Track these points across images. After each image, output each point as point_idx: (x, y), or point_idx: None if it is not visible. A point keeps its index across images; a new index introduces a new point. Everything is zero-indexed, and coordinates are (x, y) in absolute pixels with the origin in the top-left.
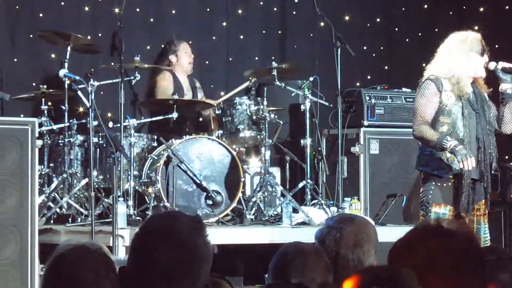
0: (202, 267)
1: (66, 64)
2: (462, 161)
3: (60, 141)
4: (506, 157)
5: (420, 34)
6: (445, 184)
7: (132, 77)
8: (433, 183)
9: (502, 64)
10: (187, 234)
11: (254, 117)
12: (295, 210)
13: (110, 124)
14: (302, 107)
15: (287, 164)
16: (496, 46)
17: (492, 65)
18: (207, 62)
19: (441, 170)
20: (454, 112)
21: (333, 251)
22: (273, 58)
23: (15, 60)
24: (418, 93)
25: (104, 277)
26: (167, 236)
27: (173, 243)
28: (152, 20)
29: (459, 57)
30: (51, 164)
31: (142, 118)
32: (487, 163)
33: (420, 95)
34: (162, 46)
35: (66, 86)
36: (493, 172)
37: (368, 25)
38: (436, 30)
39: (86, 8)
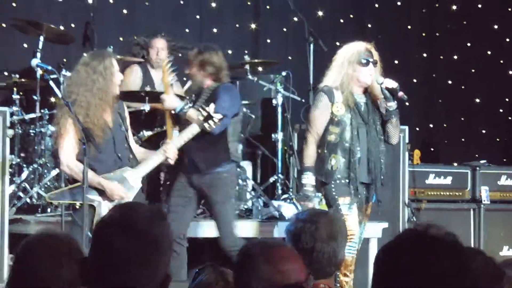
0: (160, 258)
1: (38, 54)
2: (302, 201)
3: (31, 131)
4: (477, 155)
5: (393, 30)
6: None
7: None
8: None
9: (386, 83)
10: (146, 224)
11: None
12: (265, 204)
13: None
14: (274, 101)
15: (259, 159)
16: (468, 44)
17: (379, 80)
18: (180, 55)
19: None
20: (343, 123)
21: (309, 245)
22: (246, 52)
23: None
24: (313, 104)
25: (64, 265)
26: (124, 226)
27: (130, 234)
28: (125, 11)
29: (345, 68)
30: (22, 154)
31: None
32: (377, 171)
33: (314, 107)
34: (135, 37)
35: (38, 76)
36: (382, 177)
37: (341, 21)
38: (409, 27)
39: None
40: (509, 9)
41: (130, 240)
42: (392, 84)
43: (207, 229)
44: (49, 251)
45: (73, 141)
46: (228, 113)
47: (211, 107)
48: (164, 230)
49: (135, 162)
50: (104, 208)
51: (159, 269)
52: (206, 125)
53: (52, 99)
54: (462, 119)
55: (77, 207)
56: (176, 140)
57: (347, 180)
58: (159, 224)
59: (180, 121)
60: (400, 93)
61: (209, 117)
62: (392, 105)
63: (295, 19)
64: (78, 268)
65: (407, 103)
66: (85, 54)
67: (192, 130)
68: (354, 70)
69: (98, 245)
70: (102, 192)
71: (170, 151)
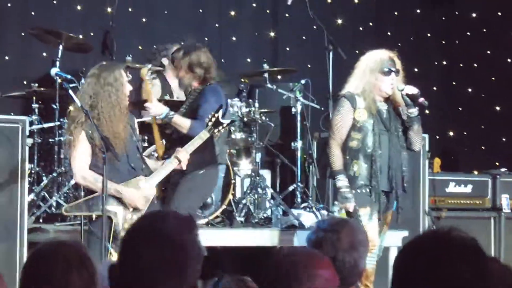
0: (188, 267)
1: (57, 63)
2: (341, 204)
3: (50, 140)
4: (497, 163)
5: (412, 38)
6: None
7: None
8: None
9: (407, 90)
10: (174, 233)
11: (245, 119)
12: (285, 213)
13: None
14: (293, 109)
15: (278, 167)
16: (488, 52)
17: (400, 87)
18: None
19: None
20: (365, 129)
21: (330, 254)
22: (265, 60)
23: (6, 58)
24: (334, 110)
25: (75, 271)
26: (153, 235)
27: (158, 242)
28: (144, 20)
29: (367, 76)
30: (41, 163)
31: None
32: (398, 178)
33: (336, 112)
34: (154, 46)
35: (58, 85)
36: (405, 184)
37: (361, 29)
38: (429, 35)
39: (78, 7)
40: None
41: (158, 248)
42: (412, 90)
43: (224, 237)
44: (59, 259)
45: (86, 152)
46: None
47: (220, 113)
48: (193, 239)
49: (148, 171)
50: (120, 217)
51: (187, 278)
52: (215, 130)
53: (71, 108)
54: (482, 127)
55: (94, 219)
56: (187, 146)
57: (368, 189)
58: (188, 233)
59: (167, 127)
60: (421, 99)
61: (218, 122)
62: (414, 111)
63: (314, 27)
64: (108, 273)
65: (427, 111)
66: (104, 63)
67: (202, 135)
68: (376, 78)
69: (126, 252)
70: (119, 201)
71: (182, 157)
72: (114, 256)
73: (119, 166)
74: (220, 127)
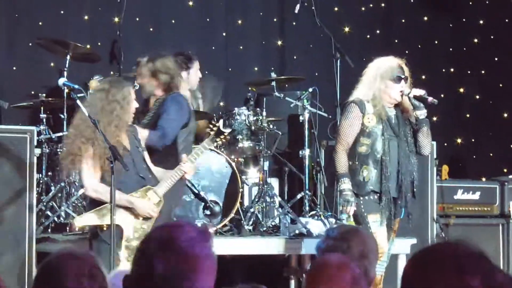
0: (200, 278)
1: (65, 73)
2: (342, 206)
3: (58, 150)
4: (505, 170)
5: (419, 46)
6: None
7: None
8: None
9: (414, 92)
10: (187, 244)
11: (253, 128)
12: (293, 221)
13: None
14: (301, 118)
15: (286, 175)
16: (496, 59)
17: (406, 92)
18: (206, 72)
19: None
20: (374, 134)
21: None
22: (272, 68)
23: (14, 68)
24: (342, 115)
25: (86, 283)
26: (165, 245)
27: (170, 253)
28: (151, 29)
29: (377, 83)
30: (49, 173)
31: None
32: (407, 184)
33: (344, 117)
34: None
35: (65, 95)
36: (415, 189)
37: (368, 36)
38: (436, 42)
39: (86, 17)
40: None
41: (168, 259)
42: (419, 92)
43: (232, 246)
44: (71, 270)
45: (93, 165)
46: (174, 126)
47: (220, 123)
48: (206, 251)
49: (154, 181)
50: (131, 227)
51: None
52: (217, 139)
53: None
54: (490, 134)
55: (105, 228)
56: (191, 156)
57: (376, 196)
58: (200, 244)
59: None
60: (430, 98)
61: (219, 132)
62: (422, 113)
63: (321, 35)
64: (123, 283)
65: (434, 118)
66: (115, 78)
67: (206, 145)
68: (386, 86)
69: (138, 261)
70: (128, 211)
71: (187, 167)
72: (124, 265)
73: (126, 177)
74: (222, 136)
